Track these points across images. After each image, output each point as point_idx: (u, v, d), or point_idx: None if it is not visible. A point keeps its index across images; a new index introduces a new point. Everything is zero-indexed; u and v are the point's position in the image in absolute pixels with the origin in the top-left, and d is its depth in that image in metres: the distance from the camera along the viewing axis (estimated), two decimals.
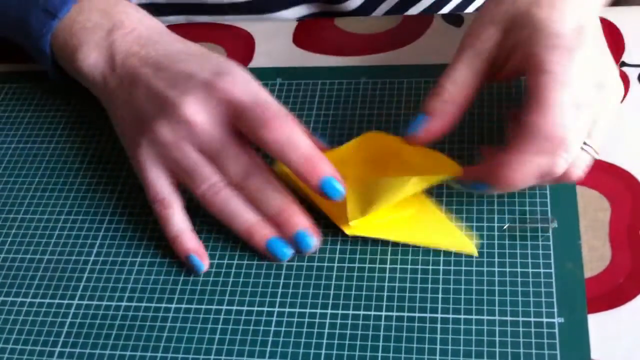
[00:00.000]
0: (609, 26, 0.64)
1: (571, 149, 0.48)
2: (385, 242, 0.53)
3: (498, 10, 0.52)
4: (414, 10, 0.78)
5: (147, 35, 0.59)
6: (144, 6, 0.73)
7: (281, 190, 0.53)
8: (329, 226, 0.54)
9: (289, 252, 0.53)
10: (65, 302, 0.54)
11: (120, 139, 0.59)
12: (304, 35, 0.69)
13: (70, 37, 0.60)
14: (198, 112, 0.53)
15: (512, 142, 0.48)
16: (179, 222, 0.55)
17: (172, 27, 0.72)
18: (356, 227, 0.53)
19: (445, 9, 0.80)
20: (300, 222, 0.52)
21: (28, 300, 0.54)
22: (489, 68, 0.52)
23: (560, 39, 0.49)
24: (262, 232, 0.53)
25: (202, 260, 0.54)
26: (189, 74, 0.55)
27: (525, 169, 0.48)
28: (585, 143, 0.50)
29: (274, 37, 0.70)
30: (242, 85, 0.53)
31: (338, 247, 0.54)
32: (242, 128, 0.53)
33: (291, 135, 0.51)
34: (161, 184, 0.55)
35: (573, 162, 0.50)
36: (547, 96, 0.48)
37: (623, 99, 0.58)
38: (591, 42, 0.50)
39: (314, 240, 0.52)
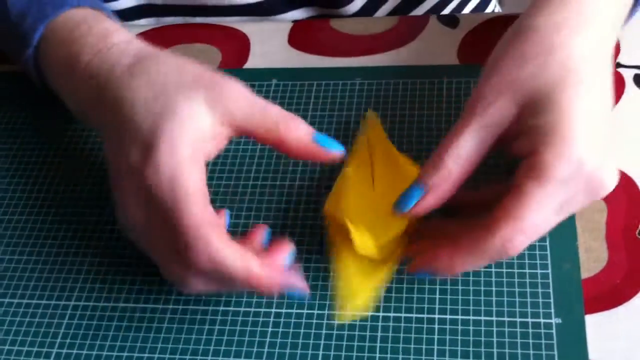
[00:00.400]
0: None
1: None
2: None
3: (518, 76, 0.46)
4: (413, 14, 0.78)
5: None
6: (144, 7, 0.73)
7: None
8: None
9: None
10: (62, 303, 0.54)
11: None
12: (299, 36, 0.69)
13: None
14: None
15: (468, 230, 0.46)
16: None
17: (168, 28, 0.73)
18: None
19: (444, 12, 0.80)
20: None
21: (25, 301, 0.54)
22: (496, 144, 0.47)
23: (574, 154, 0.44)
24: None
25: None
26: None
27: (471, 264, 0.47)
28: None
29: (270, 38, 0.70)
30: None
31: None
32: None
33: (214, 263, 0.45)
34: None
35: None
36: (530, 197, 0.44)
37: (618, 101, 0.59)
38: (600, 139, 0.46)
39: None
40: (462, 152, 0.47)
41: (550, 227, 0.46)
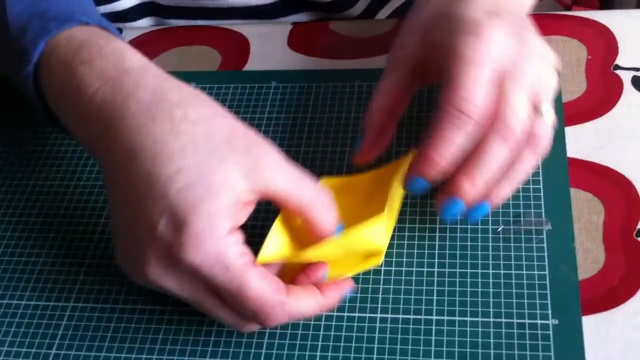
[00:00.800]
0: (602, 30, 0.64)
1: (503, 124, 0.48)
2: None
3: (418, 17, 0.53)
4: (397, 3, 0.79)
5: None
6: (145, 7, 0.73)
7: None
8: None
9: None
10: (61, 304, 0.54)
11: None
12: (298, 39, 0.70)
13: None
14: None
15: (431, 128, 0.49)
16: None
17: (168, 30, 0.73)
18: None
19: None
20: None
21: (23, 302, 0.54)
22: (413, 72, 0.53)
23: (473, 25, 0.49)
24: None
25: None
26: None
27: (447, 148, 0.48)
28: (536, 109, 0.50)
29: (269, 40, 0.70)
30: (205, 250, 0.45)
31: None
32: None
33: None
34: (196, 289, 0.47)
35: (533, 133, 0.49)
36: (459, 74, 0.48)
37: (616, 103, 0.59)
38: (509, 22, 0.50)
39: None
40: (382, 88, 0.53)
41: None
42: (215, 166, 0.45)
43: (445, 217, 0.50)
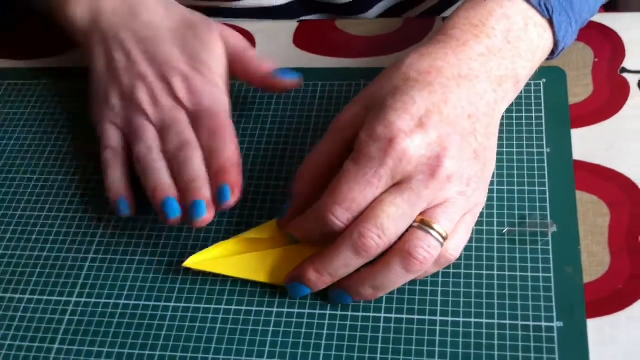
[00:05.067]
0: (609, 33, 0.64)
1: (360, 238, 0.47)
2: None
3: (372, 88, 0.52)
4: (415, 13, 0.78)
5: None
6: None
7: (200, 167, 0.55)
8: None
9: (177, 213, 0.53)
10: (64, 298, 0.54)
11: (90, 93, 0.62)
12: (304, 36, 0.69)
13: None
14: (166, 96, 0.59)
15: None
16: (119, 169, 0.58)
17: None
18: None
19: (448, 13, 0.80)
20: (203, 194, 0.54)
21: (26, 296, 0.54)
22: (347, 143, 0.51)
23: (387, 130, 0.48)
24: (166, 191, 0.54)
25: (129, 204, 0.57)
26: (167, 58, 0.59)
27: (309, 239, 0.51)
28: (423, 222, 0.48)
29: (275, 38, 0.70)
30: (209, 88, 0.59)
31: None
32: (192, 124, 0.58)
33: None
34: (115, 135, 0.59)
35: (406, 242, 0.48)
36: (346, 173, 0.48)
37: (622, 106, 0.59)
38: (432, 131, 0.48)
39: (205, 212, 0.53)
40: (313, 158, 0.53)
41: (383, 208, 0.48)
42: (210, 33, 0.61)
43: (294, 296, 0.52)
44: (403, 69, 0.51)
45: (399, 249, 0.48)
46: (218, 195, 0.53)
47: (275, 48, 0.69)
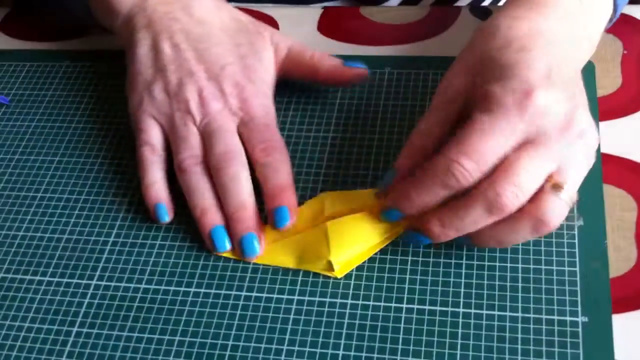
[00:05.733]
0: (638, 24, 0.63)
1: (496, 198, 0.45)
2: None
3: (471, 56, 0.51)
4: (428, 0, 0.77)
5: None
6: None
7: (248, 190, 0.54)
8: None
9: (227, 246, 0.53)
10: (84, 282, 0.54)
11: (129, 79, 0.60)
12: (329, 23, 0.69)
13: None
14: (215, 99, 0.56)
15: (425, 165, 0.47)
16: (159, 171, 0.56)
17: None
18: (342, 267, 0.52)
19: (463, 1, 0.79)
20: (252, 226, 0.53)
21: (46, 279, 0.54)
22: (459, 114, 0.50)
23: (523, 84, 0.46)
24: (213, 217, 0.53)
25: (169, 211, 0.55)
26: (218, 60, 0.58)
27: (429, 196, 0.47)
28: (554, 186, 0.46)
29: (299, 24, 0.69)
30: (260, 98, 0.57)
31: None
32: (240, 132, 0.56)
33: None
34: (156, 132, 0.57)
35: (540, 209, 0.46)
36: (476, 122, 0.46)
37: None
38: (560, 86, 0.47)
39: (258, 248, 0.52)
40: (424, 127, 0.50)
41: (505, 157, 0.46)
42: (261, 40, 0.61)
43: (409, 242, 0.51)
44: (502, 32, 0.49)
45: (531, 213, 0.46)
46: (276, 217, 0.52)
47: (299, 35, 0.68)
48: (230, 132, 0.55)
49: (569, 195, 0.46)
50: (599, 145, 0.55)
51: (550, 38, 0.49)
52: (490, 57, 0.49)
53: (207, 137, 0.55)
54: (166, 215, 0.55)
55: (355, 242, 0.52)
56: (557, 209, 0.46)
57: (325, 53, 0.60)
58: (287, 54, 0.60)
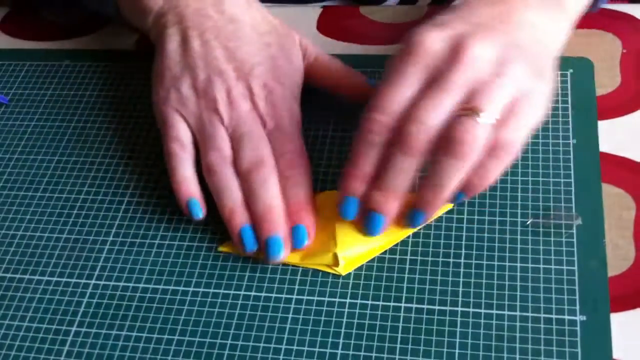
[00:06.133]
0: (637, 23, 0.63)
1: (404, 137, 0.48)
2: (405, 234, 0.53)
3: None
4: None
5: None
6: None
7: (276, 193, 0.53)
8: None
9: (255, 246, 0.52)
10: (83, 281, 0.54)
11: (157, 73, 0.59)
12: (328, 23, 0.69)
13: None
14: (243, 100, 0.56)
15: None
16: (189, 167, 0.55)
17: None
18: (347, 264, 0.52)
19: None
20: (280, 229, 0.52)
21: (45, 278, 0.54)
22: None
23: (416, 33, 0.50)
24: (242, 217, 0.53)
25: (202, 207, 0.54)
26: (249, 59, 0.57)
27: (362, 158, 0.50)
28: (465, 110, 0.47)
29: (298, 24, 0.69)
30: (288, 102, 0.57)
31: None
32: (267, 136, 0.55)
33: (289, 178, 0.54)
34: (184, 129, 0.56)
35: (450, 131, 0.47)
36: (387, 76, 0.50)
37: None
38: (500, 34, 0.50)
39: (283, 251, 0.52)
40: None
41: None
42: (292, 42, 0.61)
43: (371, 231, 0.51)
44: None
45: (443, 138, 0.47)
46: (294, 235, 0.52)
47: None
48: (259, 136, 0.55)
49: (483, 114, 0.47)
50: (597, 142, 0.55)
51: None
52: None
53: (235, 140, 0.55)
54: (200, 211, 0.54)
55: (362, 240, 0.52)
56: (463, 124, 0.47)
57: (349, 68, 0.60)
58: (314, 62, 0.60)
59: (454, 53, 0.48)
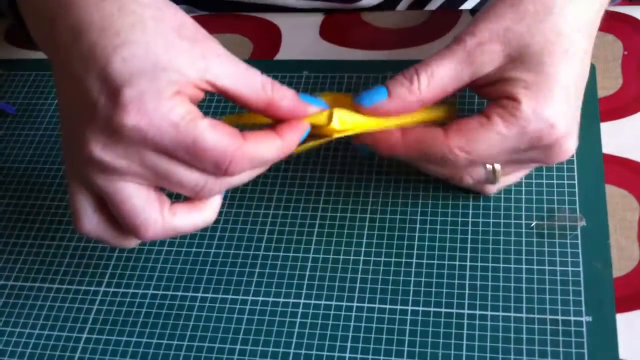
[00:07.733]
0: (638, 25, 0.64)
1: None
2: (412, 237, 0.53)
3: (514, 28, 0.47)
4: (434, 5, 0.78)
5: None
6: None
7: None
8: (363, 220, 0.54)
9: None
10: (93, 288, 0.54)
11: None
12: (330, 29, 0.69)
13: None
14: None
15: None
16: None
17: (199, 18, 0.73)
18: (341, 126, 0.48)
19: (468, 4, 0.80)
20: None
21: (55, 285, 0.55)
22: (473, 81, 0.48)
23: (552, 111, 0.46)
24: None
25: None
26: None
27: (408, 155, 0.49)
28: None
29: (301, 30, 0.69)
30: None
31: (364, 238, 0.54)
32: None
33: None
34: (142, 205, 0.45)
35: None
36: (492, 125, 0.47)
37: None
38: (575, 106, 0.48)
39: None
40: (436, 76, 0.48)
41: (491, 165, 0.49)
42: (163, 49, 0.42)
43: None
44: (554, 18, 0.47)
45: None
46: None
47: (302, 41, 0.69)
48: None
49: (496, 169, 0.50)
50: (600, 144, 0.56)
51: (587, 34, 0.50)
52: (533, 51, 0.46)
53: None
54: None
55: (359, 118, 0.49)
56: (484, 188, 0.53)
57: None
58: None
59: (549, 144, 0.47)
